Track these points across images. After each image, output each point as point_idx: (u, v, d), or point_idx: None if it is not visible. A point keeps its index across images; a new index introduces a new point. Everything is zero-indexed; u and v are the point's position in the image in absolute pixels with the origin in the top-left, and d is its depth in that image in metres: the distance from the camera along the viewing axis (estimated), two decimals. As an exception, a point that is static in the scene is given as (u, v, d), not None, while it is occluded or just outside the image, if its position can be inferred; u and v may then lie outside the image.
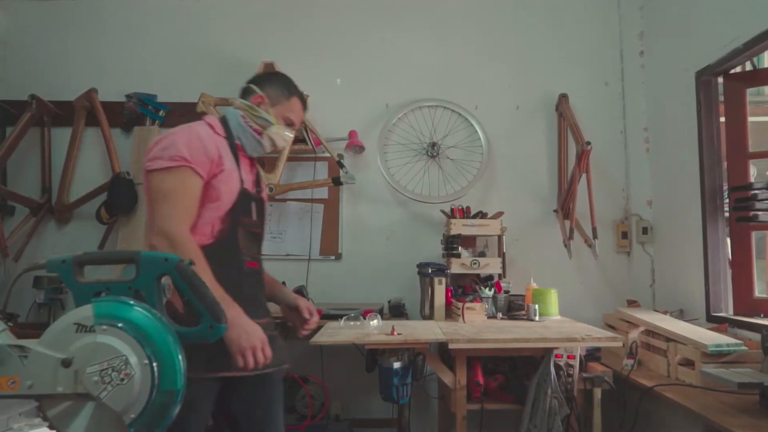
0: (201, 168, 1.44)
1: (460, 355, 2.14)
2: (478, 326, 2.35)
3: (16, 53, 3.31)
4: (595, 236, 2.82)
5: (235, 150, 1.55)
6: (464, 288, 2.81)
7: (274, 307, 1.71)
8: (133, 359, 0.88)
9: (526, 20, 3.29)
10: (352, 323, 2.35)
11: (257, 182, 1.65)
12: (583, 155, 2.74)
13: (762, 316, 2.31)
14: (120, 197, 2.99)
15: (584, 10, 3.29)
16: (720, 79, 2.54)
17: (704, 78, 2.55)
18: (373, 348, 2.14)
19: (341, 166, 3.05)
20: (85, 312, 0.91)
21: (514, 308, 2.67)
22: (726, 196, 2.49)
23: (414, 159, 3.21)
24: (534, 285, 2.75)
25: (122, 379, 0.87)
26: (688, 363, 2.04)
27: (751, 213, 2.31)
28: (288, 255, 3.19)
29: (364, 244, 3.21)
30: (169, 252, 1.27)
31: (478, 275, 2.84)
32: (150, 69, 3.29)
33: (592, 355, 2.43)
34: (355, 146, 3.15)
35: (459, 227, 2.83)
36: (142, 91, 3.22)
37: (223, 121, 1.59)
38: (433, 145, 3.19)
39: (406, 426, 2.87)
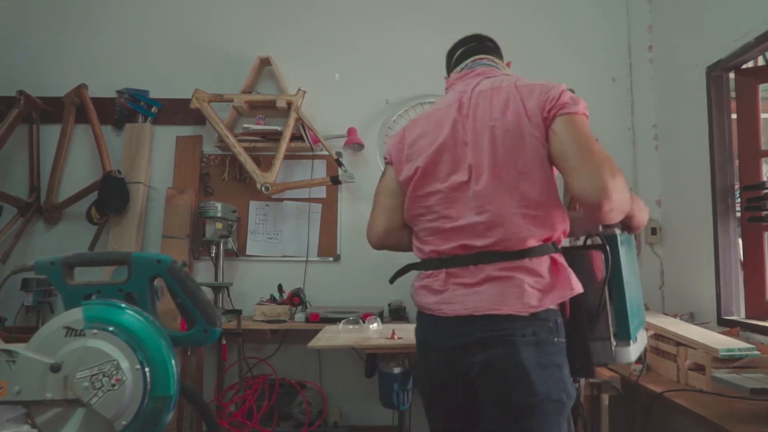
0: None
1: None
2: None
3: (4, 47, 3.31)
4: (602, 237, 2.81)
5: None
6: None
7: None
8: (124, 364, 0.88)
9: (530, 13, 3.29)
10: (350, 327, 2.35)
11: None
12: (589, 153, 2.73)
13: (775, 319, 2.31)
14: (111, 196, 2.99)
15: (590, 2, 3.28)
16: (731, 75, 2.54)
17: (715, 73, 2.55)
18: (372, 352, 2.14)
19: (340, 164, 3.05)
20: (75, 315, 0.91)
21: (518, 311, 2.67)
22: (737, 195, 2.49)
23: (415, 157, 3.20)
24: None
25: (113, 385, 0.87)
26: (699, 368, 2.03)
27: (764, 213, 2.31)
28: (285, 256, 3.19)
29: (363, 244, 3.16)
30: (628, 200, 1.19)
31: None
32: (142, 64, 3.29)
33: (599, 359, 2.42)
34: (354, 144, 3.15)
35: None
36: (134, 87, 3.22)
37: None
38: (435, 142, 3.18)
39: (406, 433, 2.87)
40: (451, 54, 1.64)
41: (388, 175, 1.52)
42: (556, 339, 1.21)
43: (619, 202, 1.13)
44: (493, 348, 1.19)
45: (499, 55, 1.58)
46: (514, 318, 1.18)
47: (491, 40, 1.60)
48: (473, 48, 1.55)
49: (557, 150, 1.21)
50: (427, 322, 1.34)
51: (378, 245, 1.49)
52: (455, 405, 1.29)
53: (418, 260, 1.47)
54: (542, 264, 1.22)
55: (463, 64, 1.53)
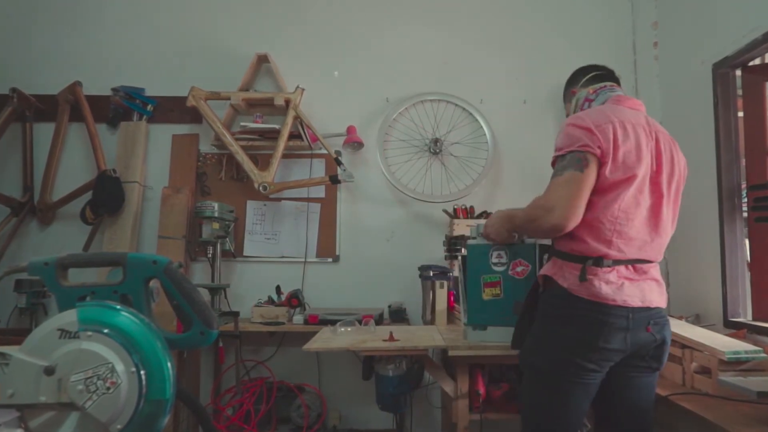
0: None
1: (461, 363, 2.14)
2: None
3: (-3, 44, 3.32)
4: (606, 237, 2.82)
5: None
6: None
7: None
8: (119, 367, 0.88)
9: (534, 9, 3.30)
10: (347, 329, 2.35)
11: None
12: (593, 152, 2.74)
13: (782, 321, 2.31)
14: (106, 196, 2.99)
15: (595, -1, 3.29)
16: (738, 72, 2.54)
17: (722, 70, 2.55)
18: (369, 355, 2.14)
19: (339, 163, 3.05)
20: (69, 317, 0.91)
21: (521, 313, 2.67)
22: (744, 195, 2.49)
23: (416, 156, 3.21)
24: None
25: (108, 388, 0.87)
26: (705, 371, 2.03)
27: (771, 213, 2.30)
28: (283, 257, 3.19)
29: (363, 245, 3.21)
30: None
31: (483, 278, 2.84)
32: (138, 61, 3.29)
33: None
34: (354, 142, 3.15)
35: (462, 228, 2.83)
36: (129, 85, 3.22)
37: None
38: (436, 141, 3.19)
39: (407, 437, 2.87)
40: (582, 73, 1.91)
41: (595, 170, 1.54)
42: None
43: None
44: (663, 330, 1.66)
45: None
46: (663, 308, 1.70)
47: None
48: (603, 75, 1.87)
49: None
50: (600, 308, 1.58)
51: (569, 230, 1.56)
52: (604, 367, 1.61)
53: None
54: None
55: (602, 83, 1.84)
